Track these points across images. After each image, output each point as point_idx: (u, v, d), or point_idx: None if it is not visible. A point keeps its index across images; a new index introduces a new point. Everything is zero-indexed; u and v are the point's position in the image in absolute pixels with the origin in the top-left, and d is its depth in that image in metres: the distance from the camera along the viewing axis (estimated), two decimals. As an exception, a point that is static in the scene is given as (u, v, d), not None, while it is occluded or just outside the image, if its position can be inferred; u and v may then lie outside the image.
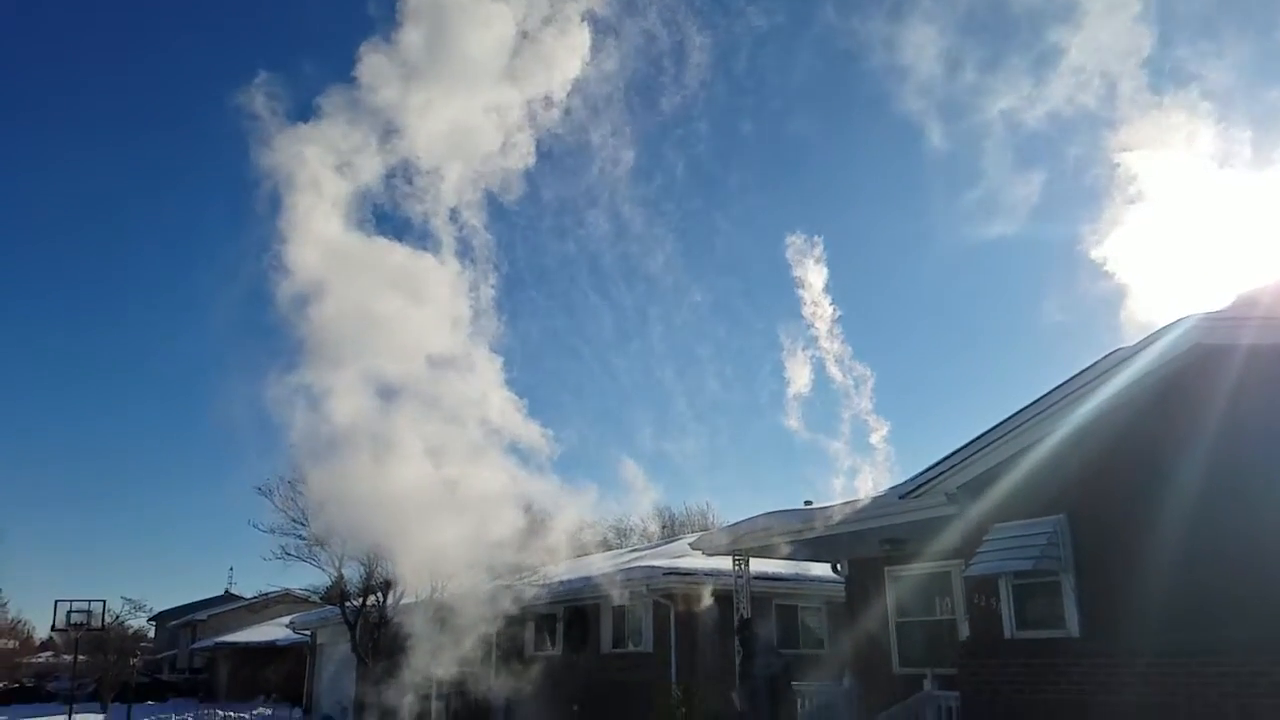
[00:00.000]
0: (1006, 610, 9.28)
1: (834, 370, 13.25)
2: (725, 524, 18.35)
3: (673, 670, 16.64)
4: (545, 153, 13.11)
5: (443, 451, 12.93)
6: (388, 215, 12.67)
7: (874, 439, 12.74)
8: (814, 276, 13.25)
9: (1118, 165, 11.59)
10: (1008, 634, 9.23)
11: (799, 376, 13.37)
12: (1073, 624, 8.69)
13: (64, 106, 64.82)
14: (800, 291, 13.55)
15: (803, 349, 13.55)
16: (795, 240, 13.83)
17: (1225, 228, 11.00)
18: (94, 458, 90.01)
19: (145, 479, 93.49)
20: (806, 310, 13.32)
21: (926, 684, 10.13)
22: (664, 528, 46.02)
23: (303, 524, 17.95)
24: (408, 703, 15.70)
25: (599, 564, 22.61)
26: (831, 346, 13.24)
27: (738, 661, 8.98)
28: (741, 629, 9.24)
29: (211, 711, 29.02)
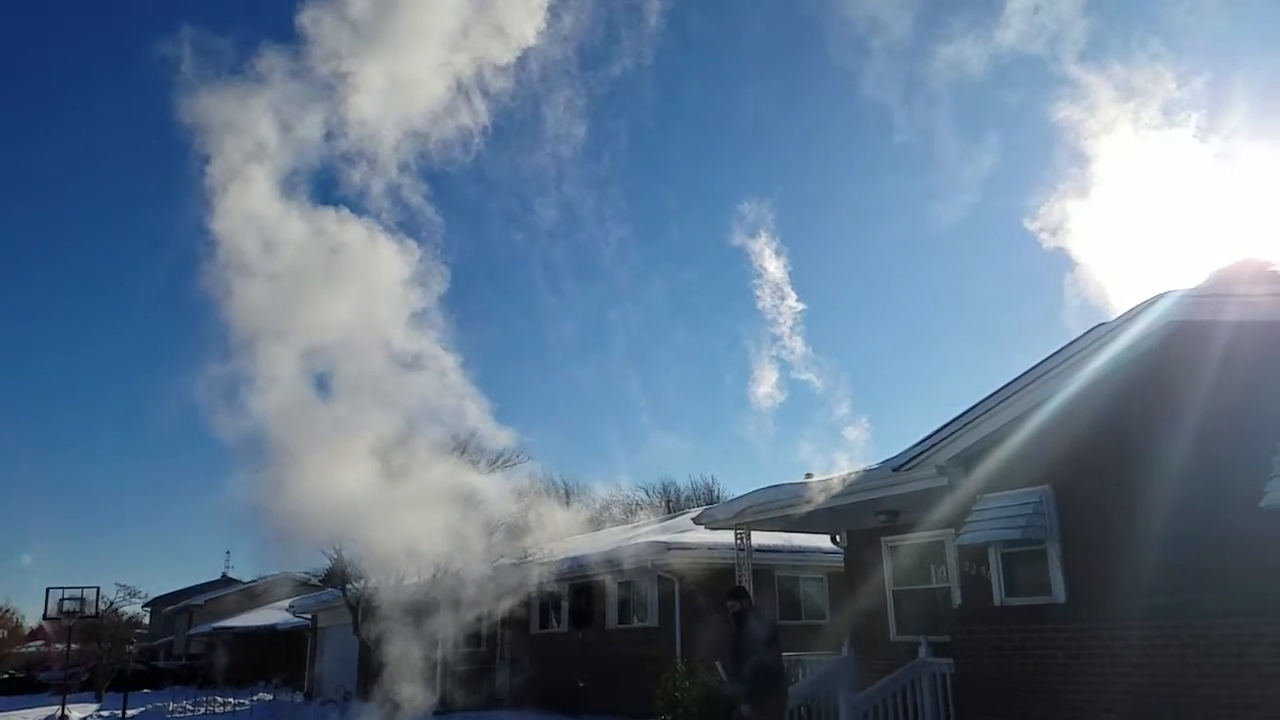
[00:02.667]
0: (996, 578, 10.04)
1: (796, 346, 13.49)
2: (729, 498, 19.11)
3: (677, 645, 17.44)
4: (497, 127, 12.90)
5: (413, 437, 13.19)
6: (329, 189, 12.37)
7: (849, 429, 13.25)
8: (771, 265, 13.43)
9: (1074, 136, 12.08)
10: (997, 601, 10.00)
11: (766, 375, 13.62)
12: (1059, 591, 9.44)
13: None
14: (756, 279, 13.68)
15: (768, 348, 13.70)
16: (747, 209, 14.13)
17: (1180, 197, 11.55)
18: (86, 440, 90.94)
19: (139, 461, 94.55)
20: (765, 304, 13.52)
21: (921, 651, 10.91)
22: (668, 503, 46.96)
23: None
24: (412, 684, 16.34)
25: (604, 540, 23.40)
26: (792, 339, 13.50)
27: (733, 633, 9.66)
28: (731, 596, 9.90)
29: (210, 698, 29.91)
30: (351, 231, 12.06)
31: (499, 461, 19.57)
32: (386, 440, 12.77)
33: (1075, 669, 9.03)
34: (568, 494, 49.08)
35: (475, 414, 14.11)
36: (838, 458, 13.00)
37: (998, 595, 10.00)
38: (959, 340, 68.97)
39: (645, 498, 49.59)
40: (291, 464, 11.97)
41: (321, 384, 12.28)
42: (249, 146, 11.49)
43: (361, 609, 20.56)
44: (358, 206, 12.12)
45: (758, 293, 13.29)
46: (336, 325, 12.02)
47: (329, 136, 11.81)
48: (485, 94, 12.00)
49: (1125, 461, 9.02)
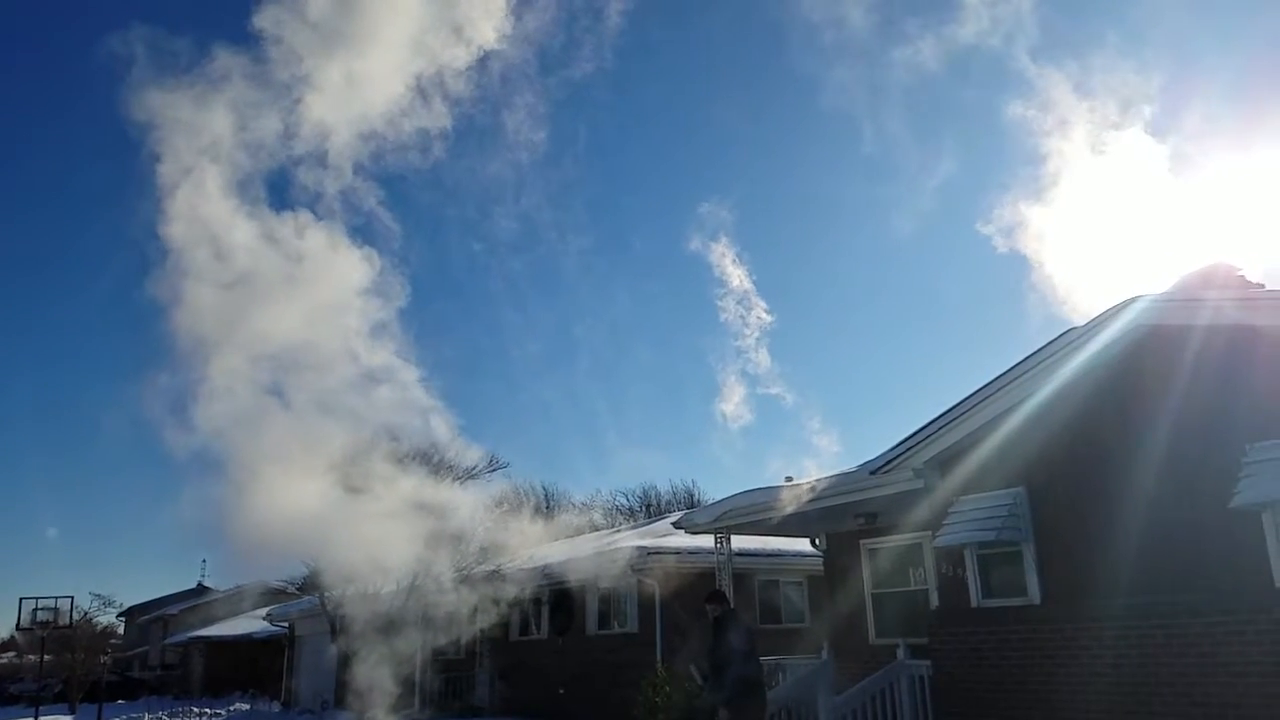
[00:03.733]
0: (973, 579, 10.17)
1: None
2: (709, 502, 19.22)
3: (658, 650, 17.52)
4: (457, 131, 12.64)
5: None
6: (283, 194, 12.04)
7: (820, 437, 13.33)
8: (733, 270, 13.33)
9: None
10: (974, 602, 10.13)
11: (734, 393, 13.59)
12: (1034, 591, 9.59)
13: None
14: (720, 288, 13.59)
15: (733, 362, 13.57)
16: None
17: (1139, 198, 11.74)
18: (57, 447, 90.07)
19: (112, 468, 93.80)
20: (729, 315, 13.46)
21: (900, 653, 11.03)
22: (649, 508, 47.07)
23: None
24: (391, 692, 16.32)
25: (584, 547, 23.44)
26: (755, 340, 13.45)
27: (710, 637, 9.75)
28: (710, 599, 9.99)
29: (187, 708, 29.76)
30: (308, 237, 11.86)
31: (475, 470, 19.62)
32: (350, 452, 12.61)
33: (1052, 669, 9.17)
34: (548, 501, 49.13)
35: (441, 428, 14.08)
36: (807, 465, 13.09)
37: (975, 597, 10.14)
38: (930, 345, 69.53)
39: (626, 503, 49.75)
40: (249, 477, 11.64)
41: (279, 395, 11.98)
42: (201, 147, 11.28)
43: (339, 617, 20.51)
44: (314, 211, 11.95)
45: (720, 303, 13.27)
46: (292, 334, 11.76)
47: (284, 140, 11.59)
48: (444, 98, 11.81)
49: (1098, 463, 9.18)
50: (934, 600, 11.67)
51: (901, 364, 70.85)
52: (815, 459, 12.92)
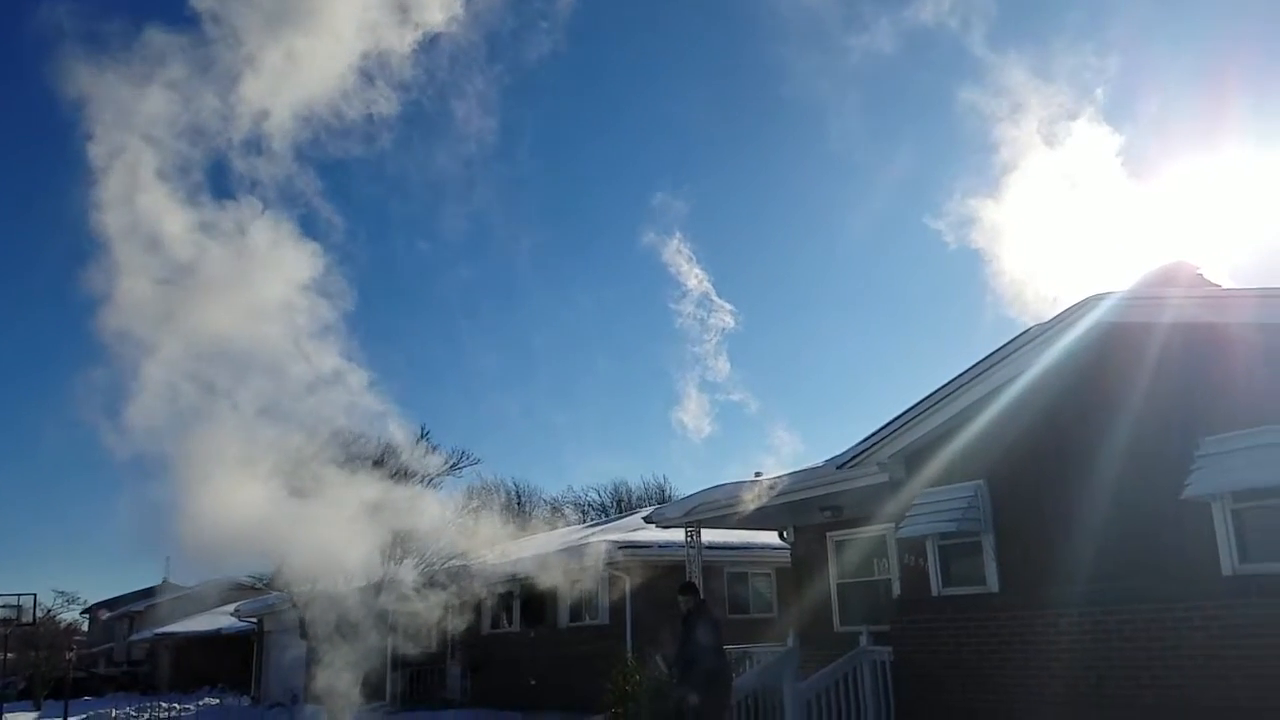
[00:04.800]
0: (934, 569, 10.53)
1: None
2: (680, 497, 19.50)
3: (629, 642, 17.75)
4: (405, 118, 12.09)
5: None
6: (219, 184, 11.33)
7: (783, 433, 13.55)
8: (687, 267, 13.11)
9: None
10: (935, 591, 10.49)
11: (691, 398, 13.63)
12: (992, 581, 9.95)
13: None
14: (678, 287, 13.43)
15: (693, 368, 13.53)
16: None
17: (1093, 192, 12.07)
18: (12, 440, 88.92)
19: (70, 463, 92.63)
20: (687, 314, 13.44)
21: (863, 640, 11.36)
22: (620, 503, 47.34)
23: None
24: (361, 686, 16.38)
25: (556, 541, 23.64)
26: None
27: (681, 628, 10.02)
28: (682, 591, 10.26)
29: (154, 704, 29.64)
30: (249, 227, 11.29)
31: (445, 467, 19.72)
32: (303, 453, 12.21)
33: (1009, 654, 9.53)
34: (519, 497, 49.23)
35: (398, 430, 13.94)
36: (772, 462, 13.29)
37: (935, 586, 10.49)
38: (893, 342, 70.06)
39: (598, 498, 49.96)
40: (192, 479, 11.15)
41: (222, 394, 11.56)
42: (134, 127, 10.58)
43: (308, 612, 20.51)
44: (254, 201, 11.34)
45: (675, 306, 13.26)
46: (233, 331, 11.21)
47: (222, 124, 10.94)
48: (390, 83, 11.31)
49: (1056, 457, 9.54)
50: (896, 590, 12.02)
51: (865, 360, 71.44)
52: (777, 456, 13.16)
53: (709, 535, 16.39)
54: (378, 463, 16.38)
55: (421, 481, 18.54)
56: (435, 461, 16.33)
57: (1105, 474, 9.05)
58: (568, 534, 26.30)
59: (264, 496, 11.42)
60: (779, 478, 13.43)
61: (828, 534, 14.68)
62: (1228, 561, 8.08)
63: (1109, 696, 8.58)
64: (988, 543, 10.01)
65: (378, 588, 17.70)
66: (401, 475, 16.68)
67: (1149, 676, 8.37)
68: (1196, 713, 7.91)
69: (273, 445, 11.69)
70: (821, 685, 11.06)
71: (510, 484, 49.72)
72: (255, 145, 10.98)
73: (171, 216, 10.66)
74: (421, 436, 18.53)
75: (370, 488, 13.26)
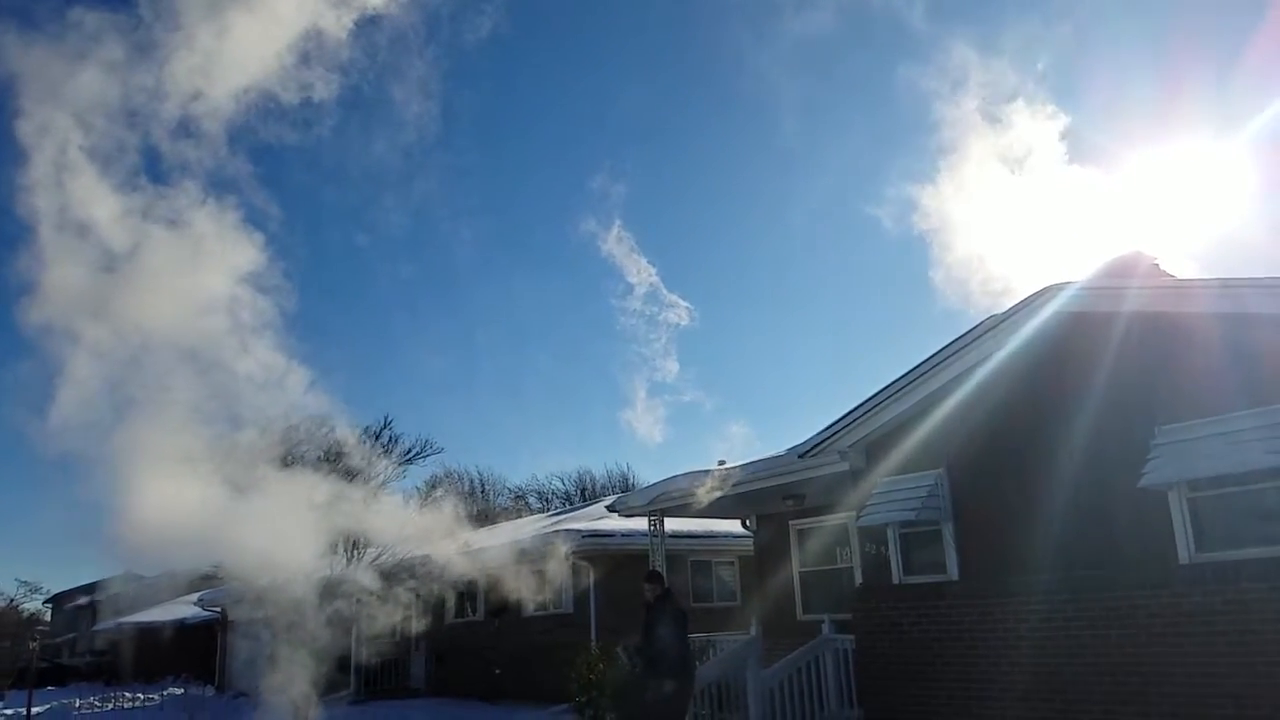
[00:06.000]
0: (895, 557, 10.53)
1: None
2: (644, 485, 19.42)
3: (593, 630, 17.72)
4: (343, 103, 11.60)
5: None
6: (152, 170, 10.73)
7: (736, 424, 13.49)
8: (619, 251, 12.97)
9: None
10: (896, 579, 10.49)
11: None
12: (952, 568, 9.96)
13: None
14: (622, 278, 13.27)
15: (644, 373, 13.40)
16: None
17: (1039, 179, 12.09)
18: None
19: (26, 451, 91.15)
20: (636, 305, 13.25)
21: (825, 628, 11.36)
22: (584, 491, 47.30)
23: None
24: (324, 677, 16.21)
25: (520, 530, 23.54)
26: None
27: (645, 617, 9.93)
28: (648, 579, 10.17)
29: (119, 694, 29.31)
30: (182, 214, 10.74)
31: (394, 465, 19.52)
32: (246, 449, 11.83)
33: (969, 642, 9.53)
34: (482, 486, 49.07)
35: (344, 424, 13.63)
36: (735, 451, 13.18)
37: (896, 574, 10.49)
38: (846, 331, 70.28)
39: (562, 487, 49.90)
40: (125, 475, 10.50)
41: (159, 388, 10.93)
42: (63, 111, 10.02)
43: (264, 605, 20.32)
44: (187, 188, 10.78)
45: (616, 302, 13.07)
46: (166, 323, 10.57)
47: (149, 106, 10.29)
48: (330, 67, 10.78)
49: (1015, 446, 9.55)
50: (859, 578, 12.02)
51: (822, 351, 71.66)
52: (741, 445, 13.08)
53: (672, 524, 16.34)
54: (329, 458, 16.19)
55: (380, 473, 18.39)
56: (382, 465, 16.11)
57: (1064, 463, 9.07)
58: (531, 523, 26.22)
59: (204, 493, 10.94)
60: (741, 466, 13.39)
61: (790, 523, 14.68)
62: (1184, 550, 8.12)
63: (1066, 681, 8.60)
64: (948, 531, 10.02)
65: (339, 580, 17.55)
66: (348, 474, 16.48)
67: (1106, 663, 8.39)
68: (1154, 699, 7.94)
69: (215, 441, 11.33)
70: (784, 674, 11.05)
71: (474, 473, 49.61)
72: (189, 128, 10.52)
73: (104, 201, 10.14)
74: (384, 426, 18.38)
75: (320, 486, 13.00)
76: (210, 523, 11.01)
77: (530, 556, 19.25)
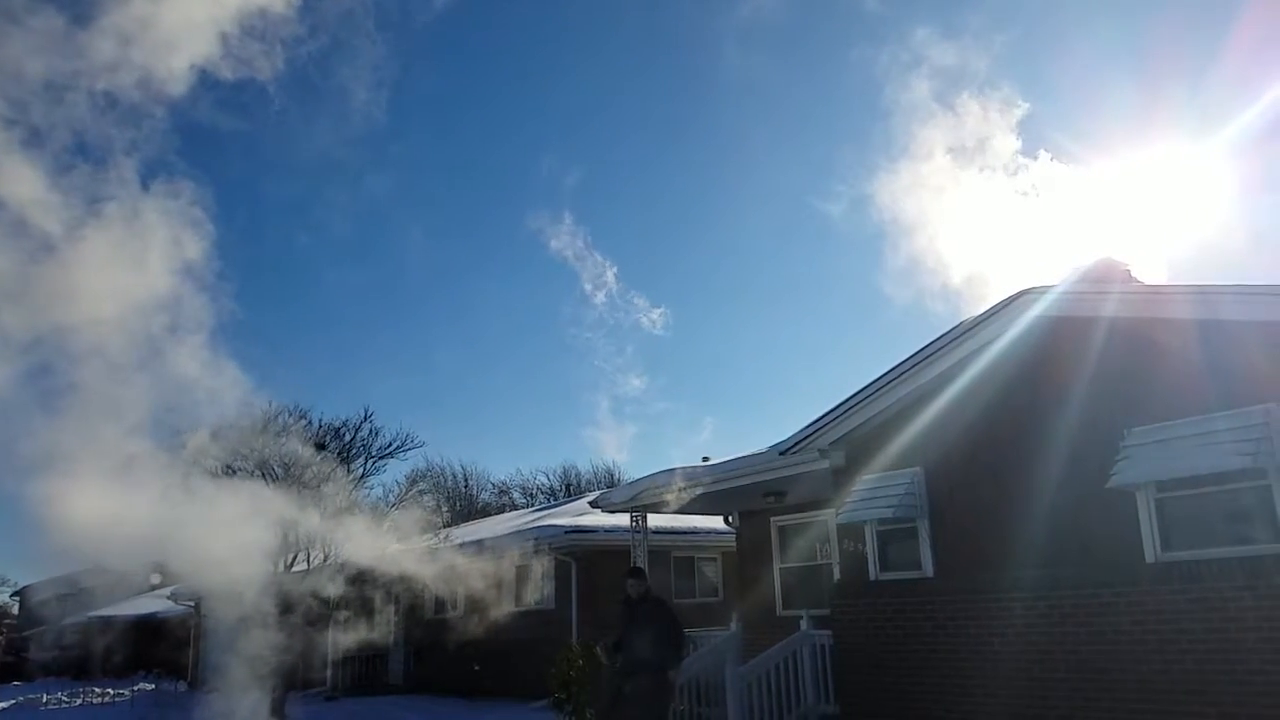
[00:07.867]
0: (872, 554, 10.92)
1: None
2: (628, 481, 19.76)
3: (574, 627, 18.04)
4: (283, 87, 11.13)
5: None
6: (81, 152, 9.96)
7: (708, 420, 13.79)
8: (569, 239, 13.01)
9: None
10: (873, 576, 10.87)
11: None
12: (928, 565, 10.35)
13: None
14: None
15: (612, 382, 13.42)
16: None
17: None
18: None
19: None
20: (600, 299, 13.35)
21: (803, 624, 11.73)
22: (569, 487, 47.60)
23: None
24: (303, 673, 16.41)
25: (502, 525, 23.85)
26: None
27: (626, 612, 10.25)
28: (630, 575, 10.51)
29: (87, 689, 29.41)
30: (111, 200, 10.06)
31: (389, 450, 19.79)
32: (196, 447, 12.04)
33: (943, 638, 9.93)
34: (466, 480, 49.27)
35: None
36: (716, 448, 13.48)
37: (873, 570, 10.87)
38: (817, 328, 70.57)
39: (546, 481, 50.20)
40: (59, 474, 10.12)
41: (94, 386, 10.37)
42: None
43: (245, 596, 20.47)
44: (122, 174, 10.11)
45: (591, 291, 13.16)
46: (101, 313, 10.00)
47: (77, 82, 9.53)
48: (275, 44, 10.22)
49: (991, 445, 9.94)
50: (837, 574, 12.39)
51: (796, 349, 71.98)
52: (720, 443, 13.40)
53: (656, 520, 16.69)
54: (286, 465, 16.35)
55: (362, 466, 18.63)
56: (338, 476, 16.32)
57: (1038, 463, 9.44)
58: (514, 518, 26.52)
59: (153, 495, 10.84)
60: (723, 463, 13.75)
61: (772, 519, 15.07)
62: (1150, 549, 8.50)
63: (1036, 678, 8.99)
64: (923, 528, 10.40)
65: (311, 578, 17.76)
66: (314, 483, 16.66)
67: (1076, 660, 8.77)
68: (1121, 695, 8.32)
69: (162, 441, 11.33)
70: (762, 668, 11.41)
71: (457, 467, 49.83)
72: (125, 110, 9.80)
73: (28, 183, 9.39)
74: (364, 419, 18.64)
75: (274, 494, 13.08)
76: (150, 524, 10.82)
77: (511, 552, 19.55)
